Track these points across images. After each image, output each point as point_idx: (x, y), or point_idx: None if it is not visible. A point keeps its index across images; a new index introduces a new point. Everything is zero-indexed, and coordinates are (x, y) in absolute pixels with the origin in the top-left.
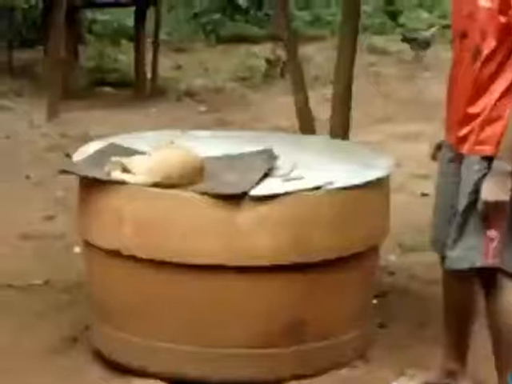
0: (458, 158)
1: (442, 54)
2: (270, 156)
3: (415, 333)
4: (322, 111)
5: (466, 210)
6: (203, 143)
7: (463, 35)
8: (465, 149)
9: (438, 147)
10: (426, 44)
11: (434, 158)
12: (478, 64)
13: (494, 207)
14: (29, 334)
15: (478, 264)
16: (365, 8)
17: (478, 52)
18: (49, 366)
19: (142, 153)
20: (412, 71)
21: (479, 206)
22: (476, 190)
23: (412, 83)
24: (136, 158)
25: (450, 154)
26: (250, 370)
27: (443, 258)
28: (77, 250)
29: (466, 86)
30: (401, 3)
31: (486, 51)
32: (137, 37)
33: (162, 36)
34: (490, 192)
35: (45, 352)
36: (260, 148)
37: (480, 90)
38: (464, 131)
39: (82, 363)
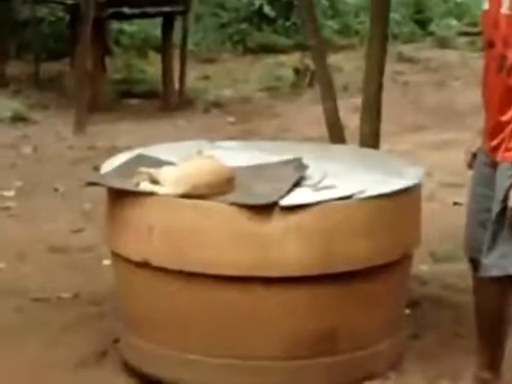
0: (494, 164)
1: (472, 62)
2: (299, 165)
3: (448, 343)
4: (351, 120)
5: (499, 217)
6: (232, 153)
7: (490, 44)
8: (498, 156)
9: (474, 156)
10: None
11: (470, 166)
12: (504, 73)
13: None
14: (58, 348)
15: (511, 271)
16: (394, 16)
17: (503, 60)
18: (78, 379)
19: (170, 163)
20: (441, 80)
21: (508, 212)
22: (507, 197)
23: (441, 92)
24: (164, 169)
25: (486, 160)
26: (281, 382)
27: (473, 262)
28: (105, 262)
29: (494, 94)
30: (430, 11)
31: (510, 60)
32: (164, 48)
33: (190, 47)
34: None
35: (74, 365)
36: (289, 157)
37: (508, 98)
38: (497, 139)
39: (112, 376)
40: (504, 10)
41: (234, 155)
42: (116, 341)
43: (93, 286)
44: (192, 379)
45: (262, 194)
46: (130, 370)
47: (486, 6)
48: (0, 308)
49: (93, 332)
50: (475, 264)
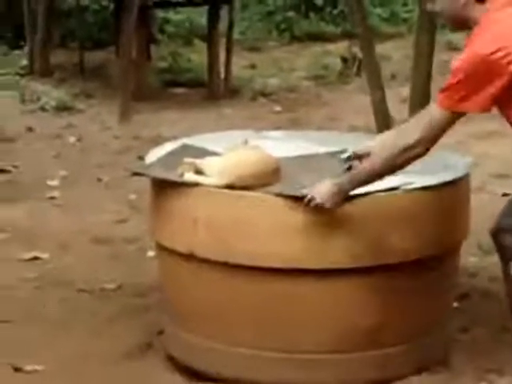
0: None
1: None
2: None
3: (498, 336)
4: (399, 110)
5: None
6: (278, 143)
7: None
8: None
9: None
10: None
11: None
12: None
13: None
14: (101, 339)
15: None
16: None
17: None
18: (122, 371)
19: (216, 153)
20: None
21: None
22: None
23: None
24: (209, 159)
25: None
26: (328, 375)
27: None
28: (150, 253)
29: None
30: None
31: None
32: (210, 36)
33: (236, 35)
34: None
35: (118, 357)
36: (336, 148)
37: None
38: None
39: (156, 369)
40: None
41: (281, 145)
42: (160, 333)
43: (137, 278)
44: (237, 373)
45: (308, 185)
46: (174, 362)
47: None
48: (45, 298)
49: (137, 324)
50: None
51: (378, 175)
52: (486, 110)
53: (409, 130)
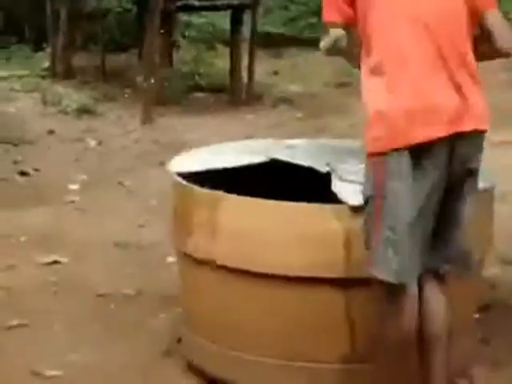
0: None
1: None
2: None
3: None
4: None
5: None
6: (303, 152)
7: None
8: None
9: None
10: None
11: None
12: None
13: None
14: (121, 345)
15: None
16: None
17: None
18: (140, 378)
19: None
20: None
21: None
22: None
23: None
24: None
25: None
26: None
27: None
28: (170, 259)
29: None
30: None
31: None
32: (232, 41)
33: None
34: None
35: (137, 363)
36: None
37: None
38: None
39: (175, 375)
40: None
41: (306, 154)
42: (179, 340)
43: (156, 284)
44: (255, 381)
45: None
46: (194, 370)
47: None
48: (65, 303)
49: (156, 331)
50: None
51: None
52: None
53: None
